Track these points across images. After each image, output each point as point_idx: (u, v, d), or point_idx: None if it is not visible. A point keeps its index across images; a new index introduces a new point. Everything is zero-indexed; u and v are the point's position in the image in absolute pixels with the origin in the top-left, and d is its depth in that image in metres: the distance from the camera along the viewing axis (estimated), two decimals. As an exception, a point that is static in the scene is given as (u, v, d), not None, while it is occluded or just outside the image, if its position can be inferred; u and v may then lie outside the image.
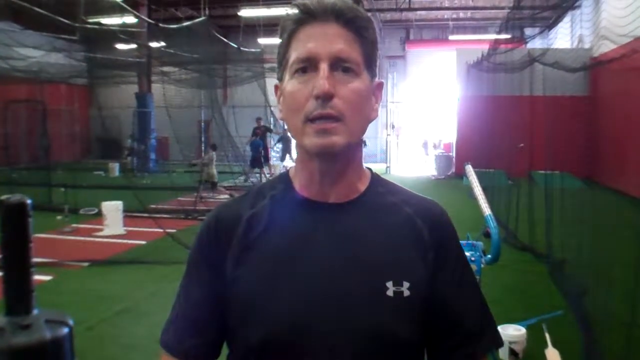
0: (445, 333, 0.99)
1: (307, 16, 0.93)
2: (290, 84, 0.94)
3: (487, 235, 7.49)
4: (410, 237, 0.98)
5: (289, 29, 0.95)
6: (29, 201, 2.63)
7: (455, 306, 0.99)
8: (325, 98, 0.89)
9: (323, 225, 0.97)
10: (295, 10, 0.94)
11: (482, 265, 3.20)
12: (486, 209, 3.17)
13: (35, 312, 2.54)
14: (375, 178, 1.05)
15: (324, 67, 0.90)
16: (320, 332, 0.91)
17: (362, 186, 1.02)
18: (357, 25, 0.94)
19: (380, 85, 1.01)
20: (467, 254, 3.22)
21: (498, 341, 1.03)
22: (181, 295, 1.05)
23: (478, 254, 3.20)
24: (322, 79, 0.90)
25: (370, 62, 0.96)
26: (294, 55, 0.93)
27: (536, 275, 6.37)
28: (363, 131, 0.97)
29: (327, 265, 0.94)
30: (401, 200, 1.03)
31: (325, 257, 0.94)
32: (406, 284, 0.94)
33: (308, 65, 0.92)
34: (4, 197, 2.60)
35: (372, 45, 0.96)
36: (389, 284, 0.93)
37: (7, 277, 2.54)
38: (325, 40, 0.91)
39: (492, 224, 3.17)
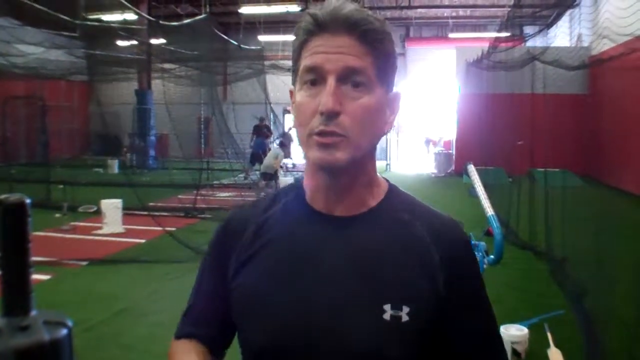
0: None
1: (318, 27, 0.89)
2: (300, 95, 0.91)
3: (488, 234, 7.48)
4: (418, 258, 0.92)
5: (300, 39, 0.92)
6: (28, 200, 2.62)
7: (465, 340, 0.95)
8: (330, 115, 0.87)
9: (327, 238, 0.94)
10: (308, 18, 0.90)
11: (485, 266, 3.17)
12: (489, 209, 3.15)
13: (33, 313, 2.53)
14: (392, 191, 1.00)
15: (331, 82, 0.87)
16: (313, 347, 0.89)
17: (374, 200, 0.97)
18: (370, 38, 0.89)
19: (397, 97, 0.97)
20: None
21: None
22: (194, 287, 1.09)
23: (480, 254, 3.18)
24: (327, 96, 0.86)
25: (384, 75, 0.93)
26: (303, 66, 0.90)
27: (537, 273, 6.36)
28: (371, 145, 0.94)
29: (326, 280, 0.91)
30: (415, 217, 0.96)
31: (325, 271, 0.92)
32: (406, 309, 0.89)
33: (317, 78, 0.89)
34: (2, 196, 2.59)
35: (386, 58, 0.92)
36: (387, 307, 0.89)
37: (5, 277, 2.53)
38: (335, 53, 0.88)
39: (495, 225, 3.15)
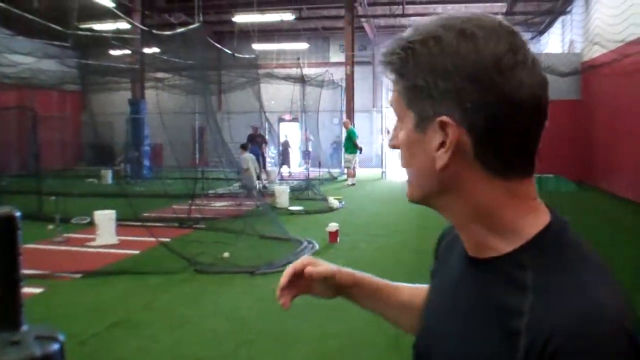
0: None
1: None
2: None
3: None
4: (501, 338, 0.72)
5: None
6: (18, 213, 2.57)
7: None
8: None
9: (458, 274, 0.86)
10: None
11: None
12: None
13: (24, 327, 2.48)
14: (538, 242, 0.75)
15: None
16: None
17: (506, 246, 0.76)
18: (392, 66, 0.80)
19: (442, 125, 0.75)
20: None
21: None
22: None
23: None
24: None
25: (414, 100, 0.78)
26: None
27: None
28: (423, 183, 0.81)
29: (440, 317, 0.87)
30: (536, 282, 0.71)
31: (443, 307, 0.88)
32: None
33: None
34: (-8, 209, 2.54)
35: (412, 81, 0.77)
36: None
37: (-4, 291, 2.48)
38: None
39: None
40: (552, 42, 19.99)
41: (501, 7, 18.88)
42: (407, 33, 0.79)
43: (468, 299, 0.79)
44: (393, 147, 0.85)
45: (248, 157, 12.14)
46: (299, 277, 1.05)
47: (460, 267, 0.85)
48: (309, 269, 1.05)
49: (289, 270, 1.05)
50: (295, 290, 1.07)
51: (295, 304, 1.07)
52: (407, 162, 0.82)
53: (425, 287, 1.06)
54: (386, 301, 1.10)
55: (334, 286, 1.07)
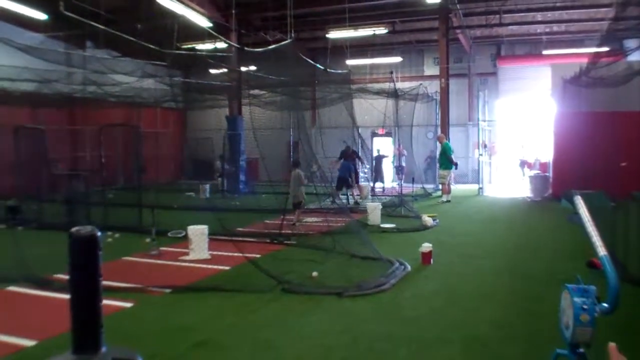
0: None
1: None
2: None
3: (592, 265, 6.82)
4: None
5: None
6: (99, 233, 2.57)
7: None
8: None
9: None
10: None
11: (596, 315, 2.73)
12: (601, 249, 2.70)
13: (104, 349, 2.45)
14: None
15: None
16: None
17: None
18: None
19: None
20: (578, 300, 2.77)
21: None
22: None
23: (591, 300, 2.73)
24: None
25: None
26: None
27: (651, 313, 5.68)
28: None
29: None
30: None
31: None
32: None
33: None
34: (74, 228, 2.55)
35: None
36: None
37: (75, 313, 2.47)
38: None
39: (609, 268, 2.67)
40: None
41: (606, 12, 17.74)
42: None
43: None
44: None
45: (296, 175, 11.95)
46: None
47: None
48: None
49: None
50: None
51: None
52: None
53: None
54: None
55: None
